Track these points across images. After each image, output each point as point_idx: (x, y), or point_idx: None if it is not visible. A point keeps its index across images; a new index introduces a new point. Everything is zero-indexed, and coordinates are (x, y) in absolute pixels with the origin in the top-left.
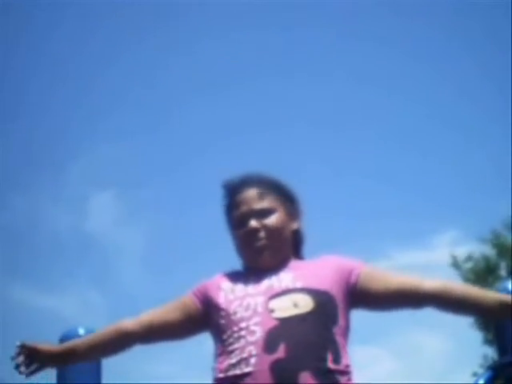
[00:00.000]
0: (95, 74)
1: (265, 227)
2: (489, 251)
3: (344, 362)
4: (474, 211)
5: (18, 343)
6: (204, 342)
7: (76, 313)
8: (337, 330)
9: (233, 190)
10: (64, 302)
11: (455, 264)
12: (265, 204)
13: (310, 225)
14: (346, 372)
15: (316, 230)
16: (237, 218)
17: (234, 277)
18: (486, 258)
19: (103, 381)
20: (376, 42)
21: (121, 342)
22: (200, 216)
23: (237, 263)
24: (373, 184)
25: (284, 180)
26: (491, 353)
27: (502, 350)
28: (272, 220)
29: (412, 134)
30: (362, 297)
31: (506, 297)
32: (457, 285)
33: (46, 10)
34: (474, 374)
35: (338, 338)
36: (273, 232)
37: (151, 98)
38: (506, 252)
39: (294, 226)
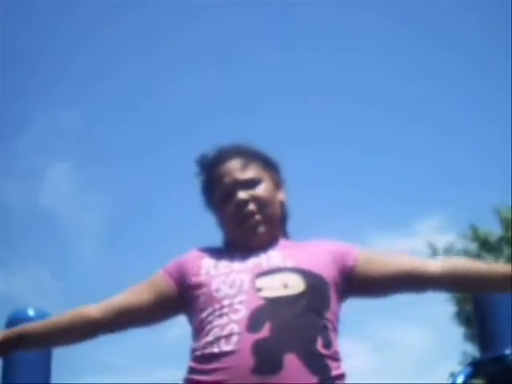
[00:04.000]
0: (56, 29)
1: (254, 198)
2: (470, 244)
3: (334, 348)
4: (462, 199)
5: None
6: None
7: (26, 293)
8: (328, 316)
9: (211, 164)
10: (13, 281)
11: (434, 254)
12: (250, 174)
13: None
14: (336, 358)
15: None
16: (221, 192)
17: (216, 252)
18: (466, 252)
19: (52, 379)
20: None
21: (84, 329)
22: (163, 195)
23: (202, 243)
24: (357, 161)
25: (262, 148)
26: (471, 350)
27: (483, 347)
28: (260, 190)
29: (406, 113)
30: (360, 281)
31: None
32: (463, 263)
33: None
34: (452, 375)
35: (329, 325)
36: (264, 203)
37: (114, 65)
38: (488, 246)
39: (281, 196)
